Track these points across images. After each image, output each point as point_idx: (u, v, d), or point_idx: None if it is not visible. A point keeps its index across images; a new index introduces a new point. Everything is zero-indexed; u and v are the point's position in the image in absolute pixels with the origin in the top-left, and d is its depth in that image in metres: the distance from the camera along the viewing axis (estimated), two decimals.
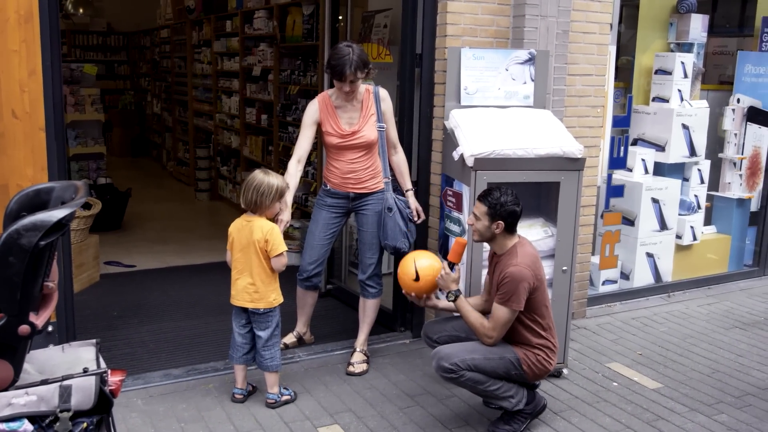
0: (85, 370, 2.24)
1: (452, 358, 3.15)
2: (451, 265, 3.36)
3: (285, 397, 3.60)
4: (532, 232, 3.85)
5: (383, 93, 3.88)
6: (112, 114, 12.63)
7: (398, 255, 3.94)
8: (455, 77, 4.03)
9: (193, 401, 3.61)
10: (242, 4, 7.85)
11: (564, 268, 3.82)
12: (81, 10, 10.76)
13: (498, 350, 3.20)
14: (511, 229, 3.23)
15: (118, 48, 13.80)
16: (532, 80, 4.14)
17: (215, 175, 8.98)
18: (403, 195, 4.00)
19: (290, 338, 4.28)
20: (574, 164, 3.75)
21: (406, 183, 3.94)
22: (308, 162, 6.29)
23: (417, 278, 3.37)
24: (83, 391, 2.18)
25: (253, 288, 3.42)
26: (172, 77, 10.85)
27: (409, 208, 3.94)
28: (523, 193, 3.96)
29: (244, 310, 3.51)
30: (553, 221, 3.87)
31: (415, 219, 3.96)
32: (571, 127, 4.50)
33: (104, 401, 2.23)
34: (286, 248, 3.41)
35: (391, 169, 4.00)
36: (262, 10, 7.30)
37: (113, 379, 2.32)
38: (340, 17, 5.47)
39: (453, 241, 3.44)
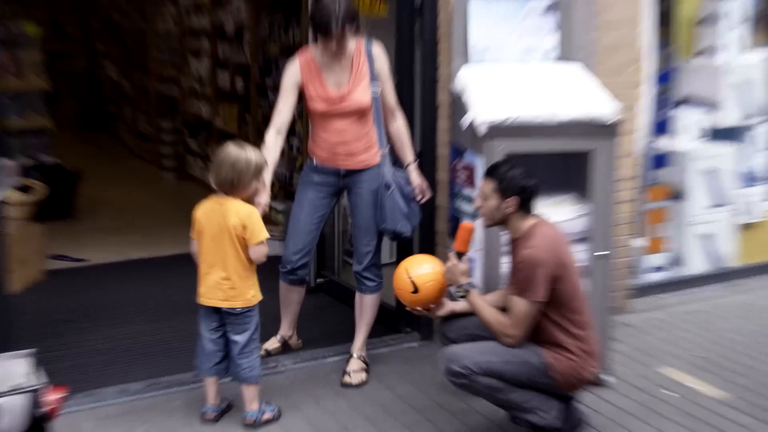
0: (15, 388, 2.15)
1: (463, 359, 3.08)
2: (459, 256, 3.27)
3: (266, 415, 3.51)
4: (561, 212, 3.78)
5: (377, 49, 3.78)
6: (60, 82, 12.46)
7: (400, 241, 3.86)
8: (462, 31, 3.95)
9: (155, 422, 3.52)
10: None
11: (599, 252, 3.74)
12: None
13: (521, 353, 3.12)
14: (526, 208, 3.18)
15: (66, 4, 13.62)
16: (556, 31, 4.05)
17: (183, 150, 8.87)
18: (404, 170, 3.90)
19: (273, 343, 4.20)
20: (608, 130, 3.69)
21: (407, 155, 3.86)
22: (291, 132, 6.17)
23: (415, 290, 3.32)
24: (11, 413, 2.10)
25: (228, 284, 3.35)
26: (130, 38, 10.70)
27: (410, 184, 3.86)
28: (549, 166, 3.92)
29: (216, 310, 3.43)
30: (586, 198, 3.78)
31: (419, 197, 3.87)
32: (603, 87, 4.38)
33: (39, 425, 2.14)
34: (267, 235, 3.35)
35: (390, 140, 3.90)
36: None
37: (51, 397, 2.23)
38: None
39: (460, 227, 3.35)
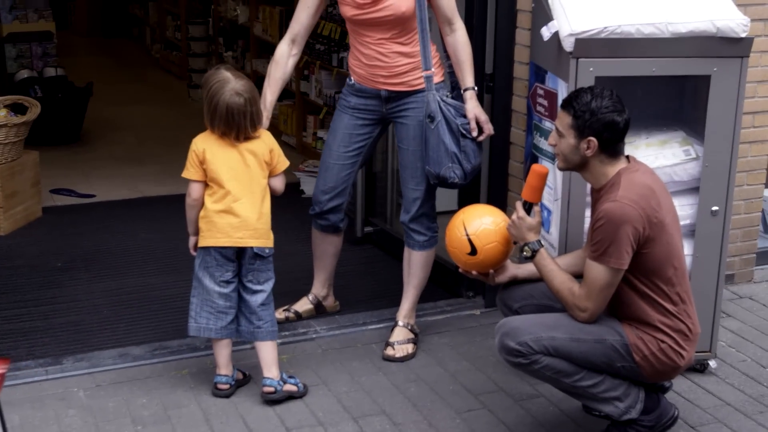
0: None
1: (522, 335, 3.10)
2: (528, 206, 3.28)
3: (289, 387, 3.63)
4: (666, 153, 3.74)
5: None
6: None
7: (449, 187, 3.86)
8: None
9: (159, 394, 3.66)
10: None
11: (714, 207, 3.72)
12: None
13: (596, 329, 3.13)
14: (610, 150, 3.14)
15: None
16: None
17: (216, 63, 8.97)
18: (461, 96, 3.87)
19: (304, 304, 4.31)
20: (736, 47, 3.61)
21: (466, 78, 3.83)
22: (344, 45, 6.19)
23: (473, 251, 3.33)
24: None
25: (262, 220, 3.56)
26: None
27: (464, 116, 3.82)
28: (654, 94, 3.85)
29: (235, 256, 3.56)
30: (700, 136, 3.75)
31: (473, 134, 3.83)
32: None
33: None
34: (288, 162, 3.67)
35: (448, 57, 3.87)
36: None
37: None
38: None
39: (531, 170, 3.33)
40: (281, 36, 7.21)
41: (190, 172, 3.56)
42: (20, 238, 5.30)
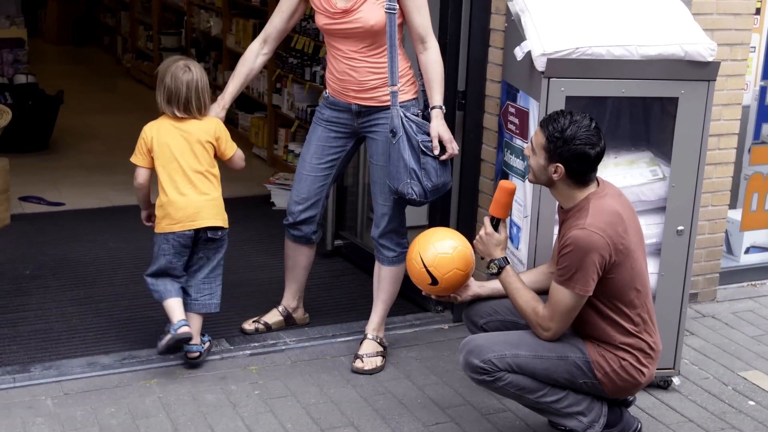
0: None
1: (486, 352, 3.14)
2: (496, 222, 3.31)
3: (207, 345, 4.02)
4: (634, 173, 3.79)
5: None
6: None
7: (410, 204, 3.87)
8: None
9: (126, 403, 3.66)
10: None
11: (680, 227, 3.76)
12: None
13: (559, 346, 3.17)
14: (578, 178, 3.15)
15: None
16: None
17: None
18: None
19: (274, 316, 4.31)
20: (703, 71, 3.67)
21: (434, 96, 3.84)
22: (316, 60, 6.22)
23: (434, 281, 3.35)
24: None
25: (215, 201, 3.88)
26: None
27: (427, 133, 3.80)
28: (623, 114, 3.91)
29: (190, 240, 3.87)
30: (667, 157, 3.79)
31: (435, 152, 3.80)
32: (704, 15, 4.34)
33: None
34: (236, 146, 3.94)
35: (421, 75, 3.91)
36: None
37: None
38: None
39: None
40: None
41: (138, 158, 3.87)
42: None
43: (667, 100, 3.76)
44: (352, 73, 3.84)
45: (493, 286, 3.40)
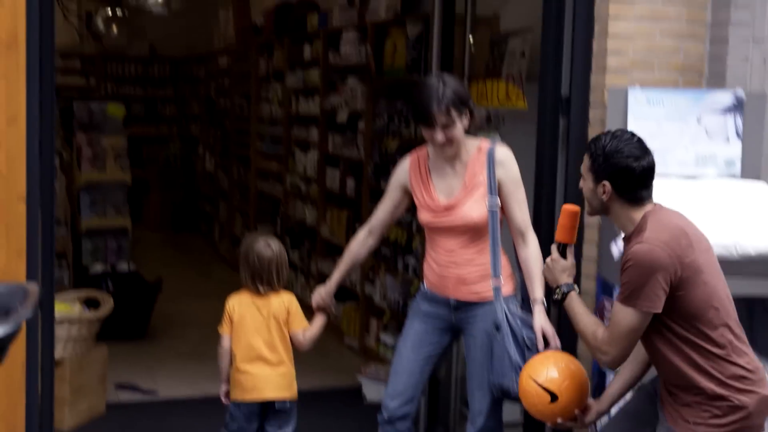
0: None
1: None
2: (562, 248, 3.33)
3: None
4: None
5: (502, 154, 3.84)
6: (150, 172, 13.25)
7: (510, 398, 3.80)
8: None
9: None
10: (326, 21, 8.10)
11: None
12: (115, 30, 11.46)
13: None
14: (629, 196, 3.09)
15: (163, 80, 14.58)
16: (739, 137, 4.05)
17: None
18: (530, 307, 3.87)
19: None
20: None
21: (535, 290, 3.83)
22: (408, 250, 6.28)
23: (554, 398, 3.32)
24: None
25: (283, 375, 4.07)
26: (230, 122, 11.31)
27: (531, 328, 3.78)
28: None
29: (260, 410, 4.06)
30: None
31: (539, 347, 3.77)
32: None
33: None
34: (307, 324, 4.12)
35: (521, 268, 3.90)
36: (352, 30, 7.50)
37: None
38: (471, 40, 5.50)
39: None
40: (347, 238, 7.41)
41: (223, 327, 4.13)
42: None
43: None
44: (453, 267, 3.86)
45: (609, 392, 3.31)
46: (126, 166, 7.94)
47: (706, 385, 2.99)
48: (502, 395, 3.81)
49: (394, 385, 4.01)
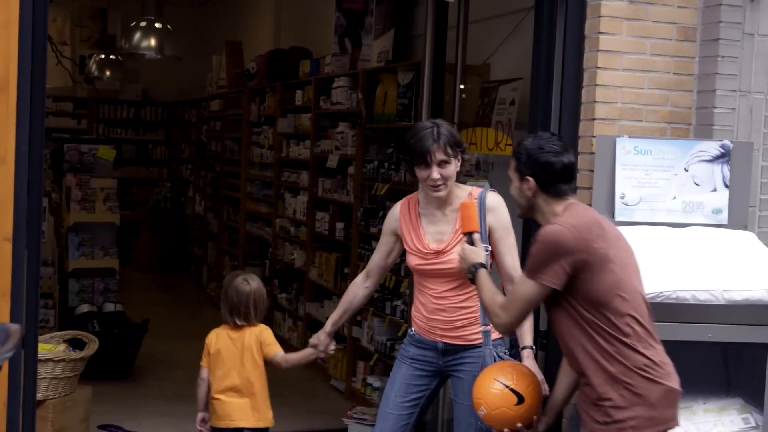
0: None
1: None
2: (470, 238, 3.51)
3: None
4: (725, 420, 3.71)
5: (492, 199, 3.85)
6: (140, 213, 13.24)
7: None
8: (607, 179, 4.02)
9: None
10: (318, 68, 8.17)
11: None
12: (108, 73, 11.50)
13: None
14: (552, 190, 3.24)
15: (155, 123, 14.63)
16: (726, 186, 4.07)
17: (270, 304, 9.09)
18: (519, 354, 3.86)
19: None
20: None
21: (524, 337, 3.82)
22: (396, 295, 6.28)
23: (521, 400, 3.34)
24: None
25: (258, 403, 4.26)
26: (221, 165, 11.33)
27: None
28: (709, 360, 3.83)
29: None
30: (759, 405, 3.70)
31: None
32: None
33: None
34: (280, 349, 4.29)
35: None
36: (344, 77, 7.56)
37: None
38: (462, 87, 5.56)
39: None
40: (336, 281, 7.46)
41: (203, 360, 4.33)
42: None
43: (757, 346, 3.68)
44: (442, 312, 3.86)
45: (554, 402, 3.43)
46: (115, 207, 7.96)
47: (610, 370, 3.09)
48: None
49: (382, 430, 3.98)
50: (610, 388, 3.08)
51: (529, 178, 3.24)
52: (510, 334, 3.41)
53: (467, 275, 3.45)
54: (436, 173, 3.73)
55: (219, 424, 4.28)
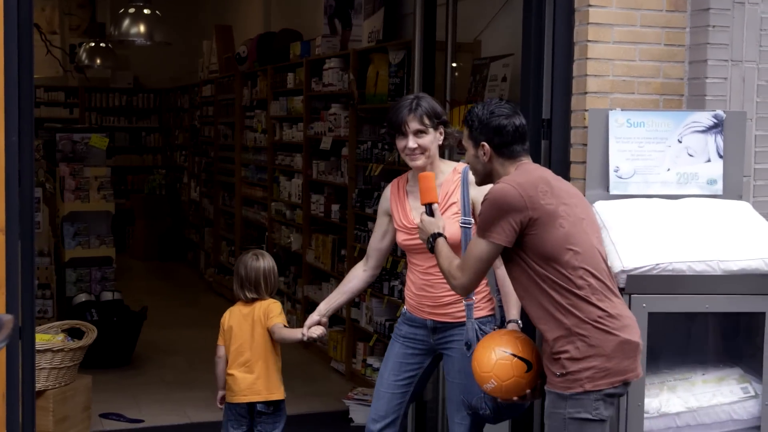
0: None
1: None
2: (429, 208, 3.54)
3: None
4: (724, 390, 3.69)
5: None
6: (136, 200, 13.22)
7: (480, 419, 3.75)
8: (601, 153, 4.00)
9: None
10: (309, 50, 8.12)
11: None
12: (98, 61, 11.43)
13: None
14: (506, 152, 3.31)
15: (148, 111, 14.58)
16: (720, 157, 4.06)
17: None
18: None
19: None
20: None
21: (510, 310, 3.79)
22: (395, 274, 6.27)
23: (530, 367, 3.34)
24: None
25: (270, 377, 4.32)
26: (215, 150, 11.30)
27: None
28: (707, 330, 3.83)
29: (248, 411, 4.32)
30: (758, 374, 3.69)
31: None
32: None
33: None
34: (284, 321, 4.33)
35: (499, 290, 3.89)
36: (335, 58, 7.52)
37: None
38: (453, 65, 5.53)
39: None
40: (333, 264, 7.45)
41: (219, 338, 4.42)
42: None
43: (754, 315, 3.68)
44: (429, 288, 3.85)
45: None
46: (110, 196, 7.93)
47: (565, 323, 3.14)
48: (472, 415, 3.77)
49: (377, 408, 3.99)
50: (565, 340, 3.15)
51: (484, 143, 3.31)
52: (468, 294, 3.45)
53: (426, 245, 3.49)
54: (412, 142, 3.76)
55: (233, 399, 4.35)
